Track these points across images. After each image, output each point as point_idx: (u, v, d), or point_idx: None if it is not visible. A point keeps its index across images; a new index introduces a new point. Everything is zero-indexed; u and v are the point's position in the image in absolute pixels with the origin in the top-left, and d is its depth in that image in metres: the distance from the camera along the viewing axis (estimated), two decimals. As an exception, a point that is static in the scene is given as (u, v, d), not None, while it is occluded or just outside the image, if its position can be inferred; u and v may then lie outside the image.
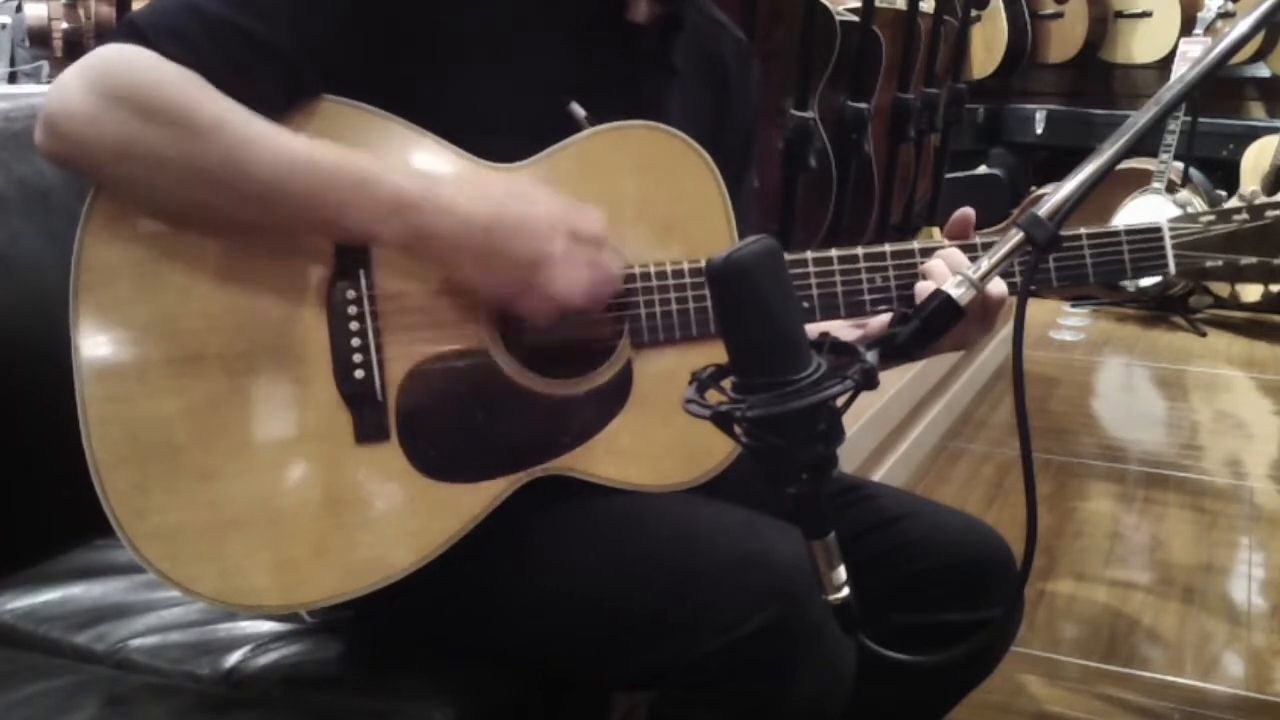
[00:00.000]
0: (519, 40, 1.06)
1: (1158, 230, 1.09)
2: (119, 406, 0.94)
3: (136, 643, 1.10)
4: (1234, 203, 1.10)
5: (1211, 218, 1.09)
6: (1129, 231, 1.09)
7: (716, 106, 1.21)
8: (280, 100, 0.96)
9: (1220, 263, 1.09)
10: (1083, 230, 1.09)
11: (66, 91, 0.91)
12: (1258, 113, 5.08)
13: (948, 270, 1.04)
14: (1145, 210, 4.32)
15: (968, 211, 1.09)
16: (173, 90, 0.91)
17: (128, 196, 0.95)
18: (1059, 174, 0.88)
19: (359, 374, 0.99)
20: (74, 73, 0.92)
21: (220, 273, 0.96)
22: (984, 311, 1.00)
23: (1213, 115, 4.76)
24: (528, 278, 0.96)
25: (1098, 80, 5.33)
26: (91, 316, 0.94)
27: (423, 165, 1.01)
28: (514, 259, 0.95)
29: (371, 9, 0.99)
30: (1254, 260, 1.08)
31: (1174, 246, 1.09)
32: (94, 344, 0.94)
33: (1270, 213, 1.08)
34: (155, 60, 0.91)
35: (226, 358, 0.96)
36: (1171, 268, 1.09)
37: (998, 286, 1.00)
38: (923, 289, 1.03)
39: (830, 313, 1.07)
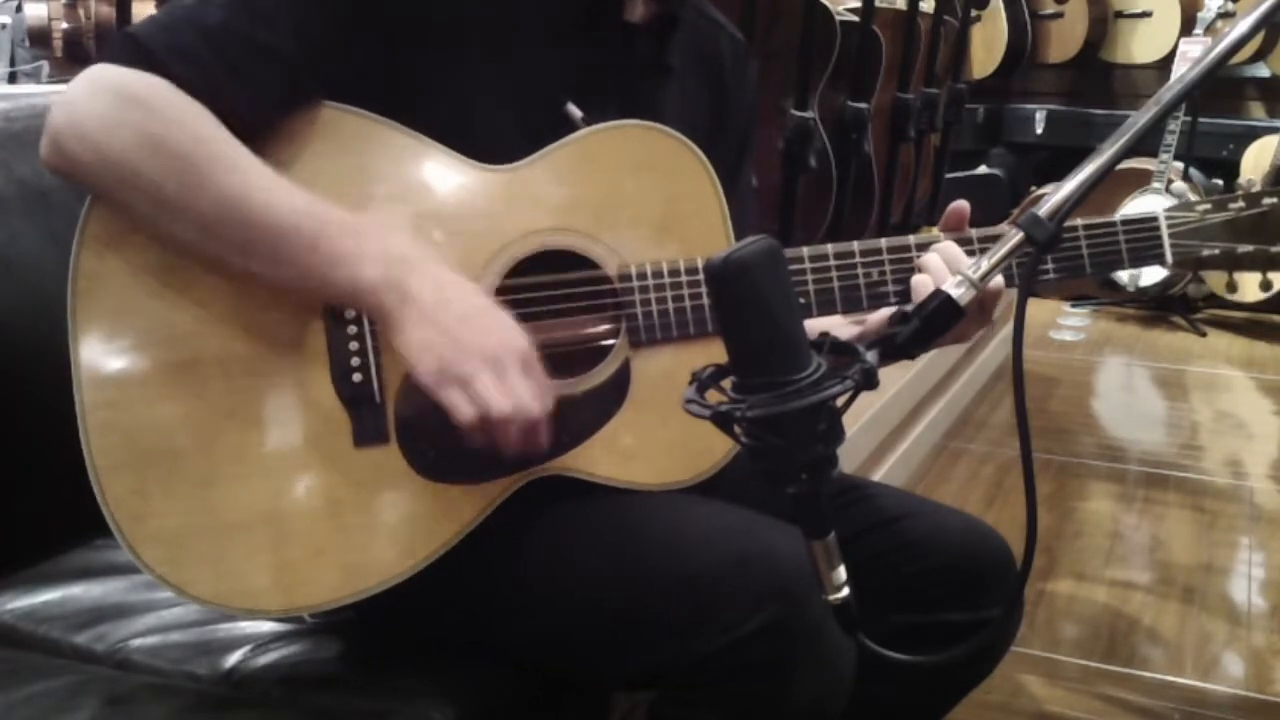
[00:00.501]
0: (516, 40, 1.06)
1: (1154, 220, 1.09)
2: (117, 412, 0.94)
3: (136, 643, 1.10)
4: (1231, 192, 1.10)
5: (1208, 206, 1.09)
6: (1125, 221, 1.09)
7: (713, 105, 1.21)
8: (282, 104, 0.97)
9: (1217, 251, 1.09)
10: (1079, 221, 1.09)
11: (76, 109, 0.92)
12: (1258, 113, 5.08)
13: (944, 265, 1.04)
14: (1145, 210, 4.31)
15: (962, 204, 1.08)
16: (180, 125, 0.91)
17: (125, 217, 0.95)
18: (1059, 174, 0.87)
19: (357, 377, 0.99)
20: (84, 90, 0.92)
21: (218, 278, 0.96)
22: (981, 307, 1.00)
23: (1213, 115, 4.76)
24: (470, 371, 0.92)
25: (1098, 80, 5.33)
26: (89, 323, 0.94)
27: (421, 171, 1.01)
28: (468, 348, 0.92)
29: (371, 12, 0.99)
30: (1251, 248, 1.08)
31: (1170, 236, 1.09)
32: (92, 350, 0.94)
33: (1266, 200, 1.08)
34: (168, 93, 0.92)
35: (224, 362, 0.96)
36: (1169, 257, 1.09)
37: (995, 281, 0.99)
38: (919, 283, 1.03)
39: (827, 309, 1.07)
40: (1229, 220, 1.09)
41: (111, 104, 0.91)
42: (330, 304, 0.97)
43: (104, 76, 0.92)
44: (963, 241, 1.07)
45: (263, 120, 0.96)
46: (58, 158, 0.93)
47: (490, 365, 0.92)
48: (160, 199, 0.91)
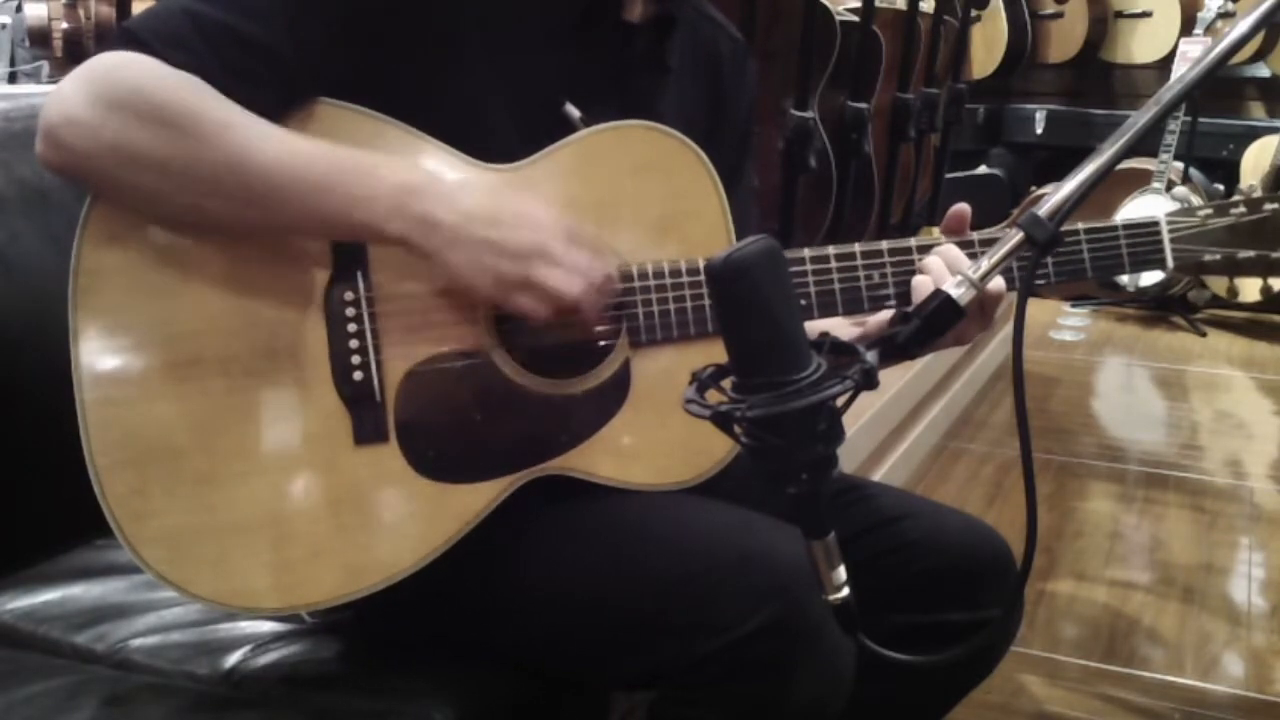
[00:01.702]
0: (514, 40, 1.06)
1: (1155, 224, 1.09)
2: (118, 410, 0.94)
3: (136, 643, 1.10)
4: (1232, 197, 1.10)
5: (1209, 211, 1.09)
6: (1127, 226, 1.09)
7: (711, 105, 1.21)
8: (277, 103, 0.96)
9: (1218, 256, 1.09)
10: (1080, 225, 1.09)
11: (65, 101, 0.91)
12: (1258, 113, 5.08)
13: (945, 267, 1.04)
14: (1145, 210, 4.32)
15: (962, 207, 1.09)
16: (172, 94, 0.91)
17: (130, 204, 0.95)
18: (1059, 174, 0.88)
19: (357, 376, 0.99)
20: (72, 82, 0.92)
21: (218, 276, 0.96)
22: (981, 309, 1.00)
23: (1213, 115, 4.76)
24: (525, 271, 0.95)
25: (1098, 80, 5.33)
26: (90, 321, 0.94)
27: (421, 167, 1.01)
28: (512, 251, 0.95)
29: (367, 11, 0.99)
30: (1252, 254, 1.08)
31: (1172, 241, 1.09)
32: (92, 348, 0.94)
33: (1268, 206, 1.08)
34: (154, 65, 0.91)
35: (225, 361, 0.96)
36: (1169, 262, 1.09)
37: (995, 283, 1.00)
38: (919, 284, 1.03)
39: (828, 310, 1.07)
40: (1230, 225, 1.09)
41: (98, 87, 0.91)
42: (356, 240, 0.97)
43: (90, 65, 0.92)
44: (963, 244, 1.07)
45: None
46: (54, 152, 0.92)
47: (540, 256, 0.95)
48: (165, 169, 0.91)
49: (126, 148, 0.90)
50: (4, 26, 5.18)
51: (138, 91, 0.91)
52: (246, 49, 0.94)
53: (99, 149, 0.91)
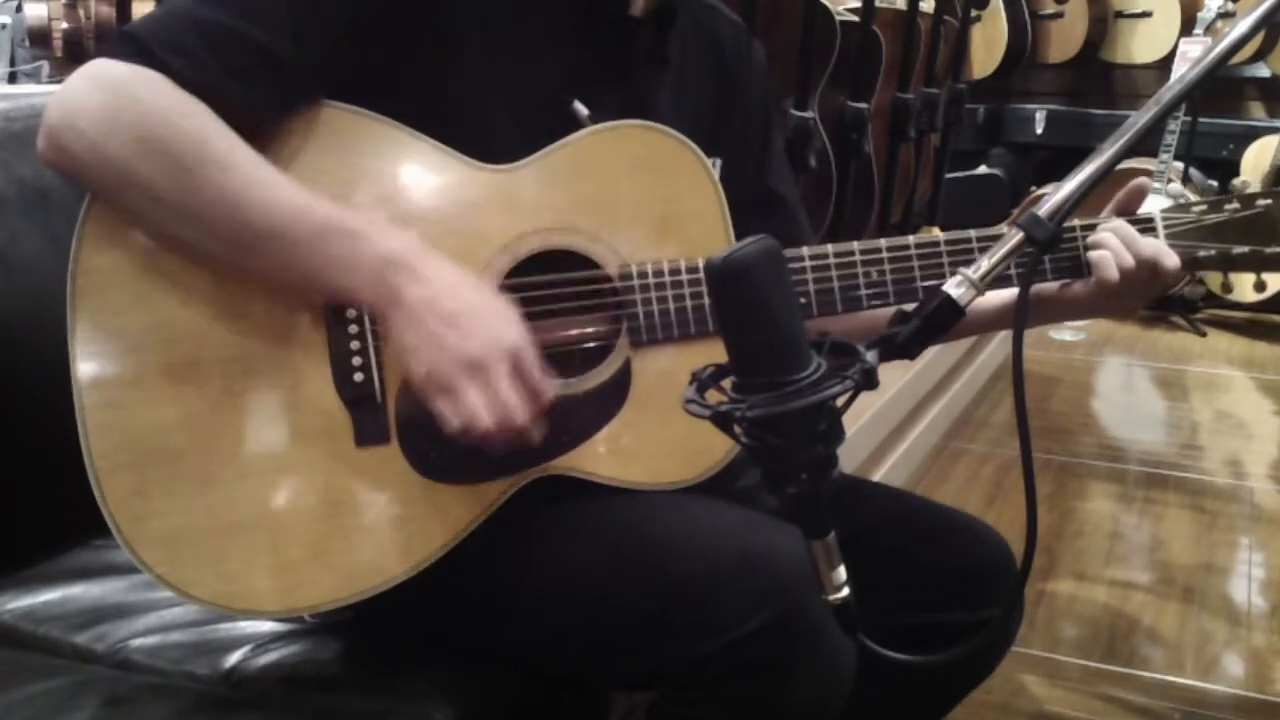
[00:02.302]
0: (515, 39, 1.06)
1: (1150, 221, 1.10)
2: (117, 413, 0.94)
3: (136, 643, 1.10)
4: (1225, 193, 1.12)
5: (1204, 208, 1.10)
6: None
7: (718, 91, 1.21)
8: (279, 105, 0.96)
9: (1213, 252, 1.10)
10: (1077, 222, 1.10)
11: (73, 105, 0.91)
12: (1258, 113, 5.08)
13: (1121, 244, 1.07)
14: (1144, 210, 4.31)
15: (1143, 182, 1.13)
16: (179, 125, 0.91)
17: (122, 215, 0.95)
18: (1059, 174, 0.88)
19: (358, 377, 0.99)
20: (82, 86, 0.92)
21: (218, 278, 0.96)
22: (1154, 274, 1.07)
23: (1213, 115, 4.75)
24: (455, 380, 0.91)
25: (1098, 80, 5.33)
26: (88, 322, 0.94)
27: (422, 170, 1.01)
28: (454, 355, 0.91)
29: (369, 13, 0.99)
30: (1245, 249, 1.09)
31: (1167, 236, 1.10)
32: (91, 350, 0.94)
33: (1260, 202, 1.09)
34: (165, 89, 0.91)
35: (224, 362, 0.96)
36: None
37: (1171, 260, 1.06)
38: (1098, 259, 1.07)
39: (827, 309, 1.08)
40: (1224, 221, 1.10)
41: (108, 100, 0.91)
42: (330, 302, 0.97)
43: (101, 72, 0.92)
44: (962, 244, 1.08)
45: (258, 120, 0.96)
46: (54, 153, 0.93)
47: (475, 372, 0.91)
48: (156, 196, 0.91)
49: (125, 170, 0.91)
50: (4, 26, 5.18)
51: (144, 116, 0.91)
52: (248, 52, 0.94)
53: (98, 163, 0.91)
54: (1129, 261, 1.07)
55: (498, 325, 0.93)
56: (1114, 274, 1.07)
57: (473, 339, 0.92)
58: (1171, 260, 1.07)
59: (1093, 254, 1.09)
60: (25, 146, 1.21)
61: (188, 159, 0.91)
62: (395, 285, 0.92)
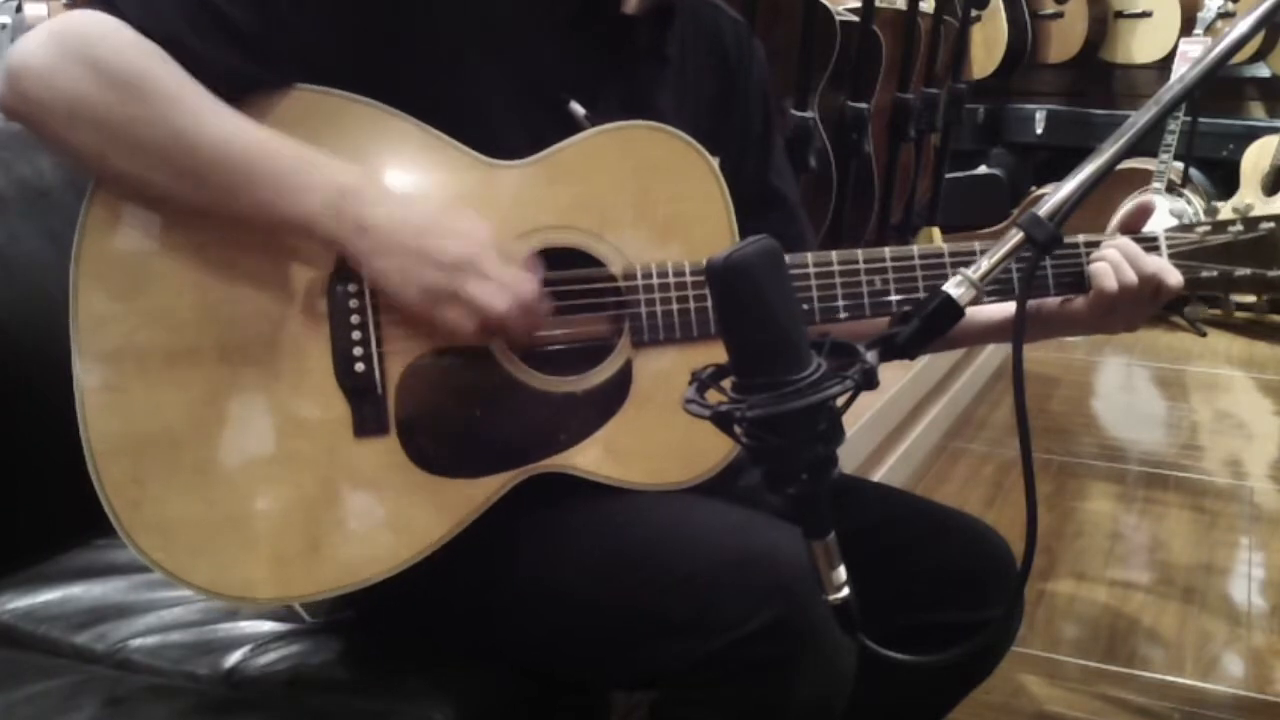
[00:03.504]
0: (513, 37, 1.06)
1: (1154, 240, 1.11)
2: (116, 398, 0.94)
3: (136, 643, 1.10)
4: (1228, 214, 1.12)
5: (1207, 229, 1.11)
6: None
7: (719, 90, 1.21)
8: (242, 76, 0.96)
9: (1215, 273, 1.11)
10: (1080, 238, 1.10)
11: (29, 48, 0.92)
12: (1258, 113, 5.08)
13: (1123, 258, 1.07)
14: (1148, 222, 4.31)
15: (1148, 200, 1.12)
16: (130, 57, 0.91)
17: (78, 161, 0.95)
18: (1059, 174, 0.88)
19: (359, 367, 0.99)
20: (39, 32, 0.93)
21: (220, 266, 0.96)
22: (1157, 295, 1.07)
23: (1213, 115, 4.76)
24: (454, 283, 0.93)
25: (1098, 80, 5.33)
26: (91, 307, 0.94)
27: (426, 163, 1.01)
28: (441, 261, 0.93)
29: (356, 7, 0.99)
30: (1248, 272, 1.10)
31: (1170, 256, 1.10)
32: (92, 336, 0.94)
33: (1264, 225, 1.10)
34: (119, 26, 0.92)
35: (225, 350, 0.96)
36: None
37: (1174, 277, 1.07)
38: (1098, 271, 1.07)
39: (830, 316, 1.08)
40: (1227, 243, 1.10)
41: (62, 40, 0.92)
42: (286, 235, 0.96)
43: (56, 20, 0.93)
44: (966, 254, 1.08)
45: (218, 80, 0.95)
46: (12, 97, 0.93)
47: (469, 268, 0.93)
48: (109, 132, 0.91)
49: (77, 103, 0.91)
50: (4, 26, 5.17)
51: (93, 48, 0.91)
52: (214, 18, 0.94)
53: (52, 99, 0.91)
54: (1131, 277, 1.07)
55: (471, 226, 0.96)
56: (1113, 284, 1.06)
57: (451, 240, 0.94)
58: (1174, 278, 1.07)
59: (1093, 266, 1.09)
60: (25, 146, 1.21)
61: (139, 90, 0.91)
62: (356, 212, 0.92)
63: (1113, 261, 1.08)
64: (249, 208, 0.94)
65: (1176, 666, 2.08)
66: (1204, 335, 4.48)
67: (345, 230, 0.93)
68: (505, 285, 0.95)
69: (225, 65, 0.95)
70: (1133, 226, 1.13)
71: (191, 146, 0.91)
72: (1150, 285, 1.07)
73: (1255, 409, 3.76)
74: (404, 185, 1.01)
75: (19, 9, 5.16)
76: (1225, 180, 4.78)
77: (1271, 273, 1.10)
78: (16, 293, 1.21)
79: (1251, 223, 1.10)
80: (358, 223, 0.93)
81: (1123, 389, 4.07)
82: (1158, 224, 1.13)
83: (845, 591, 0.73)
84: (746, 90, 1.24)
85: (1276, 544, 2.63)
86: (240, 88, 0.96)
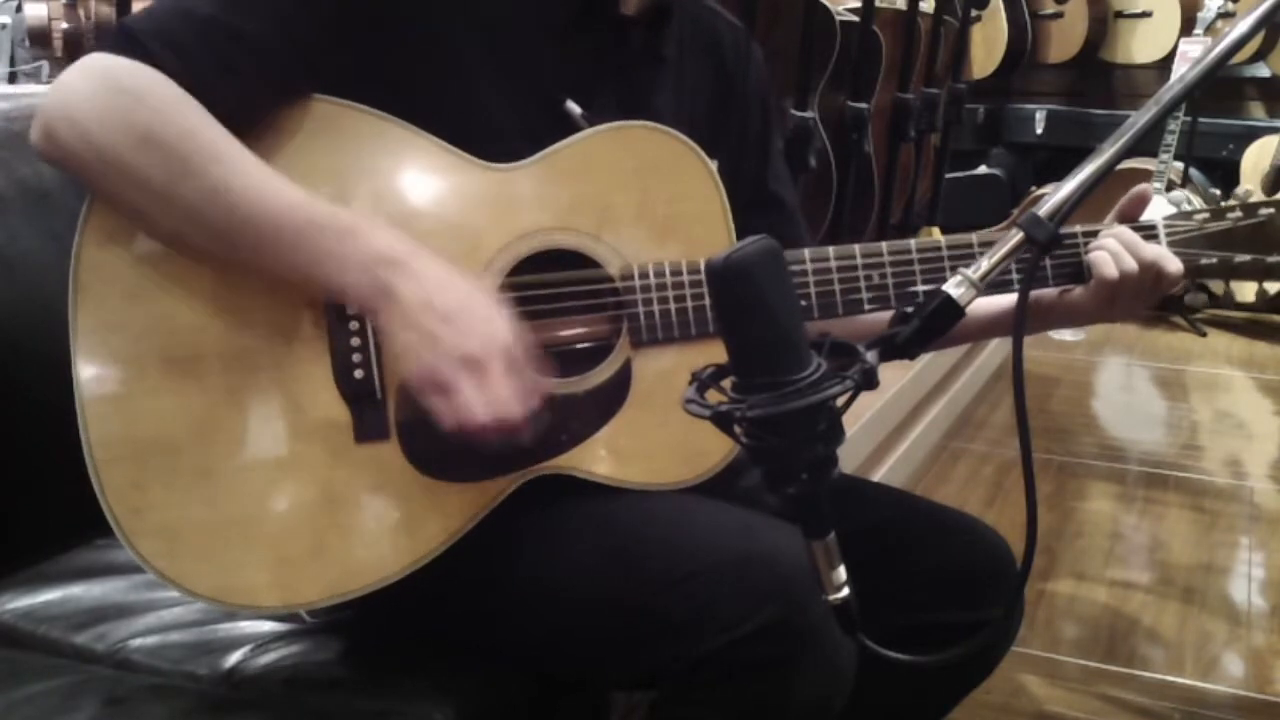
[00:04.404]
0: (511, 38, 1.06)
1: (1153, 228, 1.10)
2: (117, 404, 0.94)
3: (136, 643, 1.10)
4: (1228, 201, 1.12)
5: (1206, 215, 1.11)
6: (1126, 229, 1.10)
7: (716, 93, 1.21)
8: (269, 99, 0.97)
9: (1215, 260, 1.10)
10: (1078, 228, 1.10)
11: (68, 98, 0.92)
12: (1258, 113, 5.08)
13: (1122, 247, 1.07)
14: (1145, 210, 4.31)
15: (1144, 189, 1.13)
16: (170, 118, 0.91)
17: (113, 207, 0.95)
18: (1059, 174, 0.88)
19: (359, 373, 0.99)
20: (78, 79, 0.92)
21: (220, 272, 0.96)
22: (1158, 282, 1.07)
23: (1213, 115, 4.76)
24: (451, 377, 0.92)
25: (1098, 80, 5.33)
26: (91, 314, 0.94)
27: (423, 167, 1.01)
28: (451, 355, 0.91)
29: (363, 9, 0.99)
30: (1248, 258, 1.10)
31: (1169, 244, 1.10)
32: (93, 342, 0.94)
33: (1263, 211, 1.10)
34: (159, 84, 0.91)
35: (225, 356, 0.96)
36: None
37: (1173, 264, 1.06)
38: (1098, 260, 1.07)
39: (829, 312, 1.08)
40: (1226, 230, 1.10)
41: (102, 92, 0.91)
42: (325, 298, 0.97)
43: (96, 65, 0.93)
44: (963, 245, 1.08)
45: (247, 113, 0.96)
46: (48, 144, 0.93)
47: (470, 369, 0.91)
48: (147, 189, 0.91)
49: (116, 162, 0.91)
50: (4, 26, 5.18)
51: (139, 108, 0.91)
52: (238, 45, 0.94)
53: (90, 155, 0.91)
54: (1131, 264, 1.07)
55: (492, 323, 0.93)
56: (1113, 273, 1.06)
57: (469, 337, 0.92)
58: (1174, 264, 1.07)
59: (1093, 254, 1.09)
60: (25, 146, 1.20)
61: (178, 151, 0.91)
62: (388, 282, 0.92)
63: (1112, 250, 1.07)
64: (286, 271, 0.94)
65: (1176, 666, 2.08)
66: (1204, 335, 4.48)
67: (376, 299, 0.92)
68: (496, 400, 0.92)
69: (258, 98, 0.95)
70: (1130, 214, 1.13)
71: (230, 211, 0.91)
72: (1150, 273, 1.07)
73: (1255, 409, 3.76)
74: (403, 192, 1.01)
75: (19, 9, 5.17)
76: (1225, 180, 4.79)
77: (1271, 258, 1.09)
78: (16, 293, 1.21)
79: (1250, 209, 1.10)
80: (388, 293, 0.92)
81: (1123, 389, 4.07)
82: (1157, 215, 1.13)
83: (845, 591, 0.73)
84: (745, 94, 1.24)
85: (1276, 544, 2.63)
86: (266, 113, 0.96)
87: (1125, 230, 1.09)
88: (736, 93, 1.23)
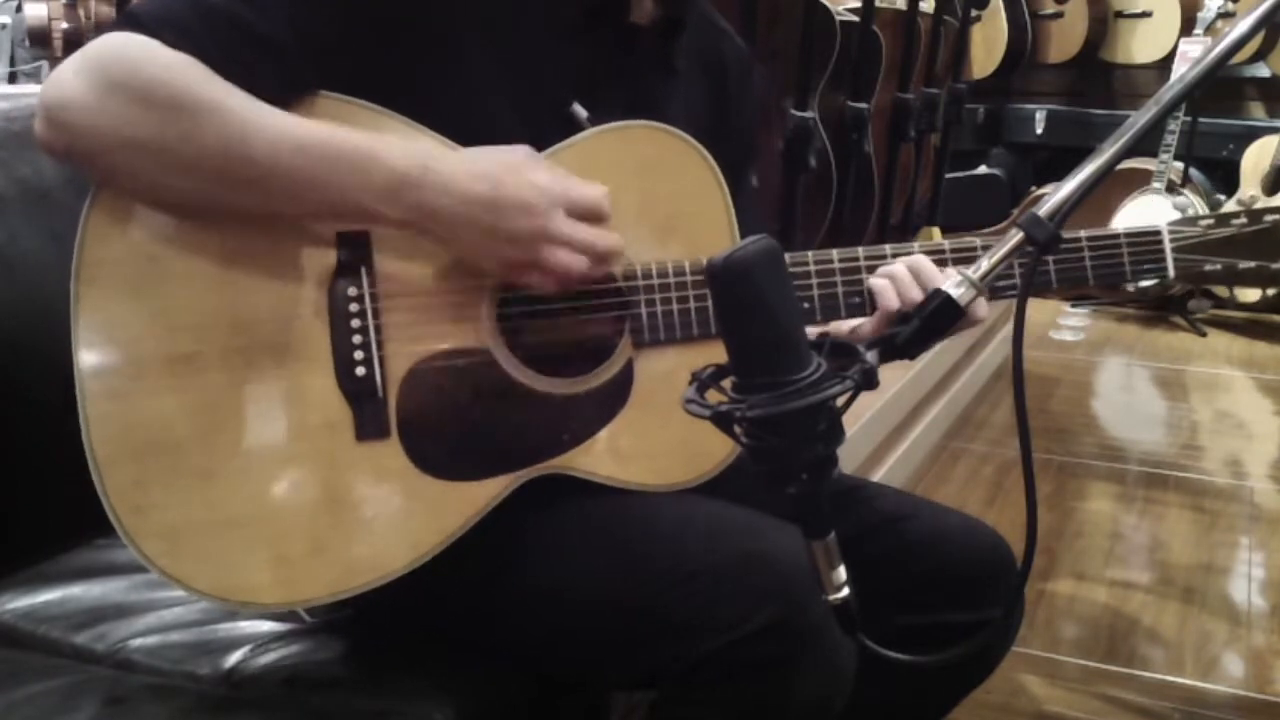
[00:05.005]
0: (517, 38, 1.06)
1: (1157, 233, 1.11)
2: (118, 403, 0.94)
3: (136, 643, 1.10)
4: (1232, 207, 1.12)
5: (1210, 221, 1.11)
6: (1129, 235, 1.10)
7: (716, 110, 1.21)
8: (276, 93, 0.96)
9: (1219, 266, 1.10)
10: (1083, 233, 1.10)
11: (64, 82, 0.91)
12: (1258, 113, 5.08)
13: (909, 274, 1.05)
14: (1145, 210, 4.32)
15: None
16: (171, 75, 0.91)
17: (129, 185, 0.94)
18: (1059, 174, 0.88)
19: (360, 371, 0.99)
20: (71, 63, 0.92)
21: (221, 270, 0.96)
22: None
23: (1213, 115, 4.76)
24: (531, 255, 0.96)
25: (1098, 80, 5.33)
26: (92, 313, 0.94)
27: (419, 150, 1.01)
28: (514, 235, 0.96)
29: (366, 10, 0.99)
30: (1252, 264, 1.10)
31: (1173, 250, 1.10)
32: (94, 340, 0.94)
33: (1268, 217, 1.10)
34: (153, 46, 0.91)
35: (226, 354, 0.96)
36: (1171, 271, 1.10)
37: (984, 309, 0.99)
38: (879, 289, 1.05)
39: (831, 314, 1.08)
40: (1231, 236, 1.10)
41: (99, 67, 0.91)
42: (352, 224, 0.98)
43: (92, 47, 0.92)
44: (965, 248, 1.08)
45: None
46: (53, 132, 0.92)
47: (543, 237, 0.96)
48: (161, 152, 0.91)
49: (124, 128, 0.90)
50: (4, 26, 5.18)
51: (135, 73, 0.91)
52: (246, 36, 0.94)
53: (96, 130, 0.91)
54: (916, 295, 1.04)
55: (532, 194, 0.96)
56: (894, 304, 1.04)
57: (520, 218, 0.95)
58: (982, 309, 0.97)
59: (873, 282, 1.06)
60: (25, 146, 1.21)
61: (185, 103, 0.91)
62: (418, 202, 0.94)
63: (897, 277, 1.05)
64: (314, 208, 0.96)
65: (1176, 666, 2.08)
66: (1204, 335, 4.48)
67: (414, 216, 0.95)
68: (578, 246, 0.97)
69: (260, 88, 0.94)
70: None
71: (245, 155, 0.91)
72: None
73: (1255, 409, 3.76)
74: None
75: (19, 9, 5.17)
76: (1225, 180, 4.79)
77: (1275, 264, 1.09)
78: (16, 293, 1.21)
79: (1256, 215, 1.10)
80: (422, 209, 0.94)
81: (1123, 389, 4.07)
82: (1159, 218, 1.12)
83: (845, 591, 0.73)
84: (737, 126, 1.24)
85: (1276, 544, 2.63)
86: (275, 104, 0.95)
87: (919, 257, 1.07)
88: (730, 123, 1.23)
